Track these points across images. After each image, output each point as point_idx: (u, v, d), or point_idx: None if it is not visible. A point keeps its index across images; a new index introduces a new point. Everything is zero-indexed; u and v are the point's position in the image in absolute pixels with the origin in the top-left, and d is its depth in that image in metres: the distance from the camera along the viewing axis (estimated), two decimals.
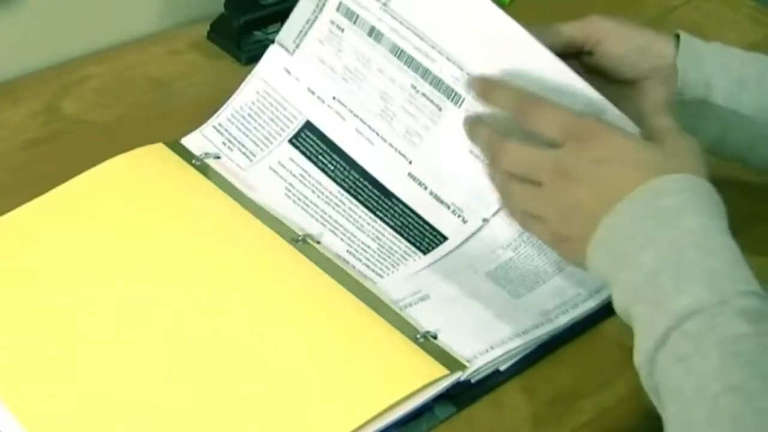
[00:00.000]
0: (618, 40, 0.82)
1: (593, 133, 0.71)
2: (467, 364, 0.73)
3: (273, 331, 0.75)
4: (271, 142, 0.88)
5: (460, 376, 0.73)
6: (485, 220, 0.83)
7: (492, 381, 0.75)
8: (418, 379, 0.72)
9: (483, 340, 0.75)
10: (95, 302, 0.76)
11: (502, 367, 0.75)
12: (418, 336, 0.75)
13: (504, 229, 0.82)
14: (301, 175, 0.87)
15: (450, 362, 0.73)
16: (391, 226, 0.84)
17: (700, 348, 0.62)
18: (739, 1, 1.13)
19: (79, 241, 0.81)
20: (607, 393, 0.73)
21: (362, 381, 0.72)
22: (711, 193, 0.69)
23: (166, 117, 0.95)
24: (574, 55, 0.82)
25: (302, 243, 0.81)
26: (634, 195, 0.68)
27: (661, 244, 0.66)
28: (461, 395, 0.73)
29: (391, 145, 0.85)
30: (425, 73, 0.83)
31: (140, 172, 0.86)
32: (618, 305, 0.69)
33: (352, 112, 0.87)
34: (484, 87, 0.77)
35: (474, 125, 0.78)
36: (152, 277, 0.78)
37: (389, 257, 0.82)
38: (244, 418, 0.70)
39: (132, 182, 0.86)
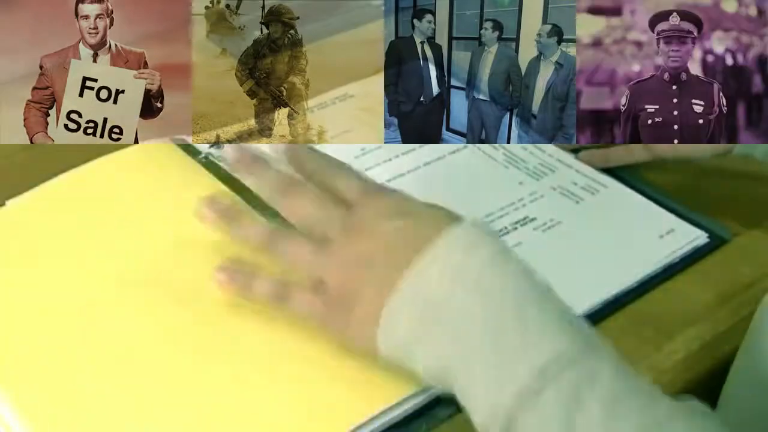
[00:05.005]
0: None
1: (380, 194, 0.70)
2: None
3: (270, 329, 0.74)
4: None
5: None
6: None
7: None
8: (414, 382, 0.71)
9: None
10: (95, 297, 0.77)
11: None
12: None
13: None
14: None
15: None
16: None
17: (580, 403, 0.56)
18: None
19: (79, 234, 0.81)
20: None
21: (360, 381, 0.71)
22: (502, 240, 0.65)
23: None
24: None
25: None
26: (439, 243, 0.63)
27: (489, 293, 0.61)
28: None
29: None
30: None
31: (144, 165, 0.87)
32: (430, 368, 0.63)
33: None
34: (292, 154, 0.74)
35: (260, 162, 0.74)
36: (152, 273, 0.78)
37: None
38: (243, 418, 0.69)
39: (135, 175, 0.86)
